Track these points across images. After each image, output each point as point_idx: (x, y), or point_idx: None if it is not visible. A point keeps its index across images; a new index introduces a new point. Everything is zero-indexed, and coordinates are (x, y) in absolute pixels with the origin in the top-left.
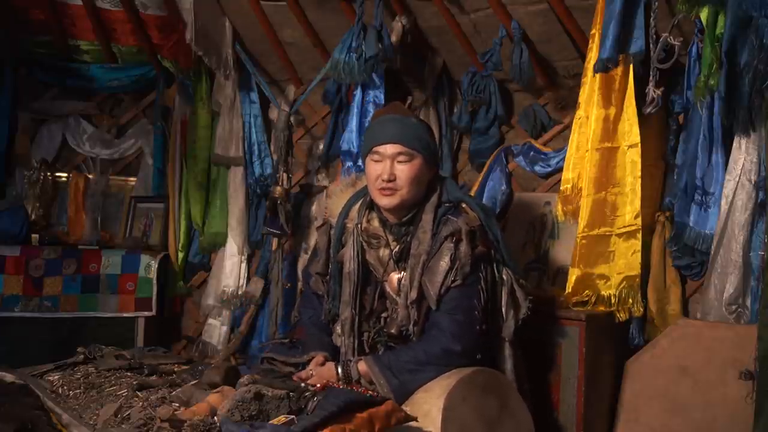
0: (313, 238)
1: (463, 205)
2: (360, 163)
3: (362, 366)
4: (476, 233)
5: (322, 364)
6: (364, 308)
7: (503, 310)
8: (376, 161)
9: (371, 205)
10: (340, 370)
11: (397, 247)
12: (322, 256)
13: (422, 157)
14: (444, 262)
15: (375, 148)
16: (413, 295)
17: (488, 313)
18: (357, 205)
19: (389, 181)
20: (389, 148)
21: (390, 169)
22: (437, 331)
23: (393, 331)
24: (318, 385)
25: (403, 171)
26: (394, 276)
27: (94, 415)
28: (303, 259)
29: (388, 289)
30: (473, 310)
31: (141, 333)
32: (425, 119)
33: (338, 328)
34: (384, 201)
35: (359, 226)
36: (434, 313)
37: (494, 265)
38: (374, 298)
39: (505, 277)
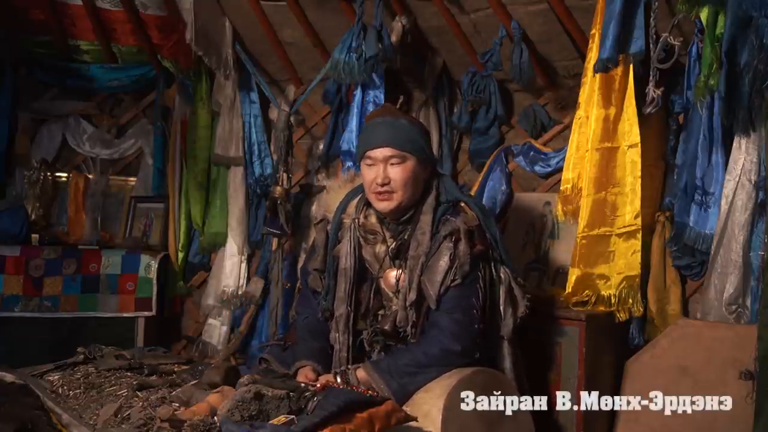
0: (313, 237)
1: (462, 205)
2: None
3: (361, 373)
4: (474, 232)
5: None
6: (360, 305)
7: (501, 308)
8: (369, 165)
9: (369, 201)
10: (339, 379)
11: (394, 243)
12: (320, 252)
13: (415, 158)
14: (443, 262)
15: (367, 153)
16: (412, 296)
17: (486, 312)
18: (355, 201)
19: (384, 185)
20: (380, 152)
21: (383, 173)
22: (437, 331)
23: (387, 327)
24: (318, 385)
25: (397, 173)
26: (390, 273)
27: (94, 415)
28: (303, 259)
29: (383, 285)
30: (472, 309)
31: (141, 333)
32: (425, 119)
33: (334, 324)
34: (381, 205)
35: (356, 220)
36: (433, 313)
37: (492, 264)
38: (370, 295)
39: (502, 275)
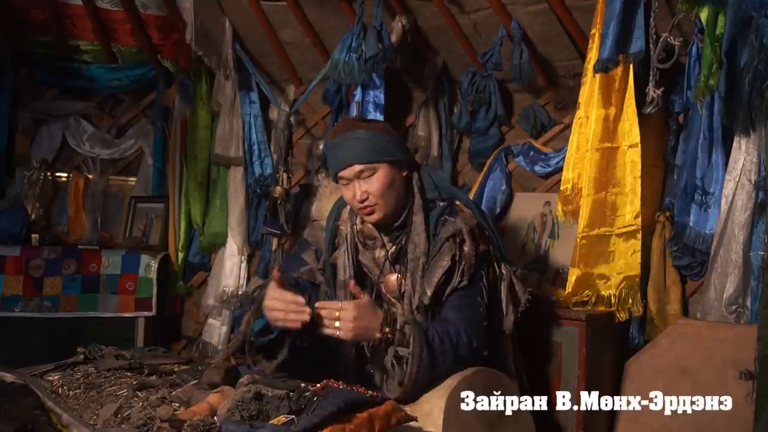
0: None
1: (457, 203)
2: None
3: (401, 320)
4: (475, 231)
5: (280, 283)
6: None
7: (503, 304)
8: (345, 185)
9: None
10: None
11: (393, 247)
12: (322, 251)
13: (385, 164)
14: (444, 262)
15: (339, 174)
16: (417, 299)
17: (489, 310)
18: (348, 207)
19: (363, 200)
20: (350, 171)
21: (359, 188)
22: (452, 325)
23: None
24: (318, 386)
25: (372, 186)
26: (391, 277)
27: (94, 415)
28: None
29: (384, 291)
30: (479, 307)
31: (141, 333)
32: (425, 119)
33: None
34: (369, 219)
35: (354, 226)
36: (444, 311)
37: (494, 261)
38: None
39: (504, 271)
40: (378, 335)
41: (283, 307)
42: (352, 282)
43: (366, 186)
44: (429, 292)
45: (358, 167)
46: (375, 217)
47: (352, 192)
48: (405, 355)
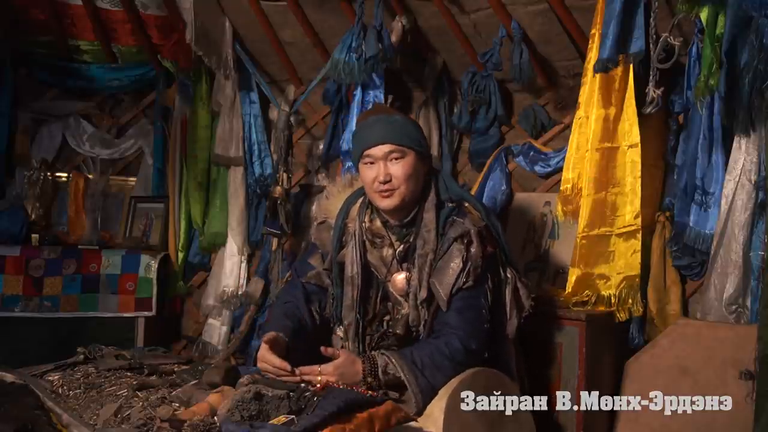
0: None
1: (466, 205)
2: None
3: (383, 359)
4: (483, 234)
5: (272, 344)
6: (367, 313)
7: (507, 308)
8: (369, 164)
9: (372, 205)
10: (367, 365)
11: (401, 246)
12: (328, 253)
13: (414, 152)
14: (455, 264)
15: (366, 152)
16: (423, 294)
17: (492, 313)
18: (357, 205)
19: (386, 182)
20: (380, 149)
21: (384, 169)
22: (451, 329)
23: (399, 330)
24: (318, 386)
25: (398, 169)
26: (398, 276)
27: (94, 415)
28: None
29: (391, 289)
30: (481, 309)
31: (141, 333)
32: (425, 119)
33: (340, 332)
34: (384, 203)
35: (363, 224)
36: (445, 313)
37: (500, 265)
38: (376, 302)
39: (509, 275)
40: (363, 386)
41: (273, 371)
42: (322, 348)
43: (392, 168)
44: (445, 297)
45: (389, 147)
46: (391, 202)
47: (375, 172)
48: (394, 398)
